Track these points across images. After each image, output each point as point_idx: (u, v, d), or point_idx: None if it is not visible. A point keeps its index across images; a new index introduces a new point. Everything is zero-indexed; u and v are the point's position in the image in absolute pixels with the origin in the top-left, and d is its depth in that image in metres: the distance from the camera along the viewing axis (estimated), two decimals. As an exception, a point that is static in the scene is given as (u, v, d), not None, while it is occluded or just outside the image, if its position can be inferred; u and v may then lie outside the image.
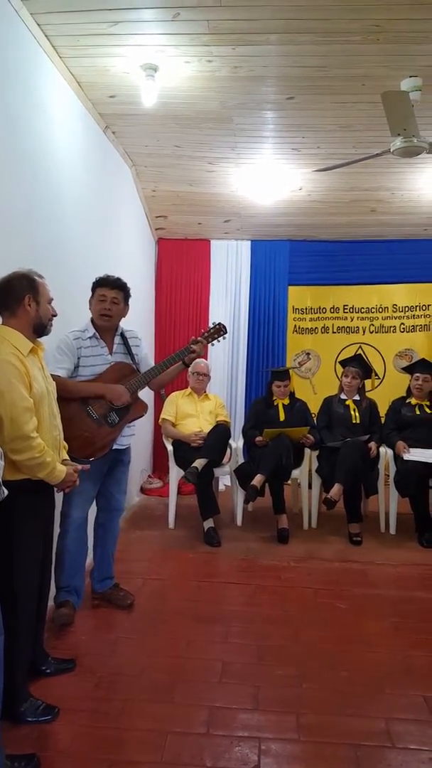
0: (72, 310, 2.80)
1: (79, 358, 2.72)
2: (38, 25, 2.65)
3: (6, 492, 1.70)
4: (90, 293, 2.81)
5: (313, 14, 2.55)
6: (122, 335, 2.86)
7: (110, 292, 2.76)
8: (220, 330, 3.02)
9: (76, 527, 2.72)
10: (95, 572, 2.94)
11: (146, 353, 2.99)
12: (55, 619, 2.61)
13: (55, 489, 2.20)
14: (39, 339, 2.14)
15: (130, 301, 2.88)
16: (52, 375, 2.33)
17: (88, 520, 2.82)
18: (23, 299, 2.03)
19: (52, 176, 2.93)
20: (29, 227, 2.67)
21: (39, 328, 2.10)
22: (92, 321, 2.79)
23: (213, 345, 3.11)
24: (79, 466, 2.28)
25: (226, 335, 3.06)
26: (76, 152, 3.27)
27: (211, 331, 3.02)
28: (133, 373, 2.82)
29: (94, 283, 2.81)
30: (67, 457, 2.31)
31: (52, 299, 2.16)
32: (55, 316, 2.19)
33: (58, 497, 2.40)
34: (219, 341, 3.07)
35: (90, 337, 2.75)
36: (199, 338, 2.96)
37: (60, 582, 2.70)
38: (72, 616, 2.68)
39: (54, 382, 2.27)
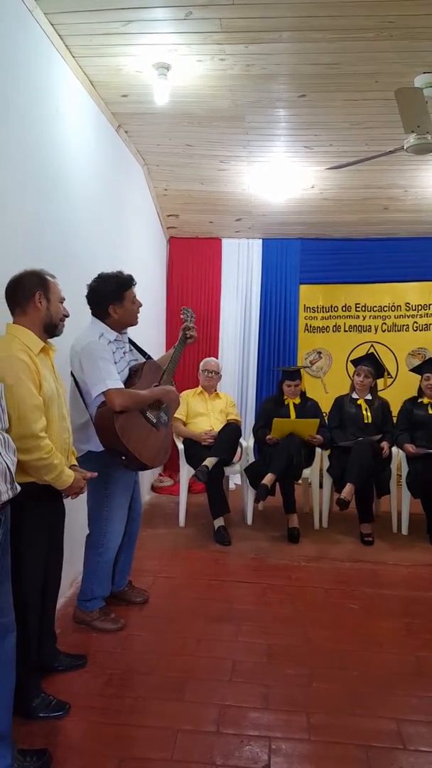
0: (83, 311, 2.80)
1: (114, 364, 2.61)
2: (51, 24, 2.66)
3: (19, 488, 1.70)
4: None
5: (325, 11, 2.54)
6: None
7: (134, 290, 2.67)
8: (185, 312, 3.09)
9: (116, 542, 2.72)
10: (117, 576, 2.88)
11: None
12: (111, 630, 2.66)
13: (62, 495, 2.15)
14: (50, 340, 2.13)
15: (141, 300, 2.85)
16: (113, 390, 2.38)
17: None
18: (34, 296, 2.02)
19: (63, 175, 2.94)
20: (40, 226, 2.68)
21: (50, 328, 2.08)
22: (106, 323, 2.61)
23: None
24: (88, 474, 2.22)
25: (192, 314, 3.10)
26: (88, 151, 3.28)
27: (188, 316, 3.07)
28: (159, 369, 2.81)
29: (119, 285, 2.59)
30: (75, 463, 2.26)
31: (63, 299, 2.16)
32: (66, 316, 2.18)
33: (70, 505, 2.34)
34: (193, 318, 3.11)
35: (115, 340, 2.62)
36: (190, 324, 3.02)
37: (98, 592, 2.71)
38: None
39: (64, 385, 2.23)
